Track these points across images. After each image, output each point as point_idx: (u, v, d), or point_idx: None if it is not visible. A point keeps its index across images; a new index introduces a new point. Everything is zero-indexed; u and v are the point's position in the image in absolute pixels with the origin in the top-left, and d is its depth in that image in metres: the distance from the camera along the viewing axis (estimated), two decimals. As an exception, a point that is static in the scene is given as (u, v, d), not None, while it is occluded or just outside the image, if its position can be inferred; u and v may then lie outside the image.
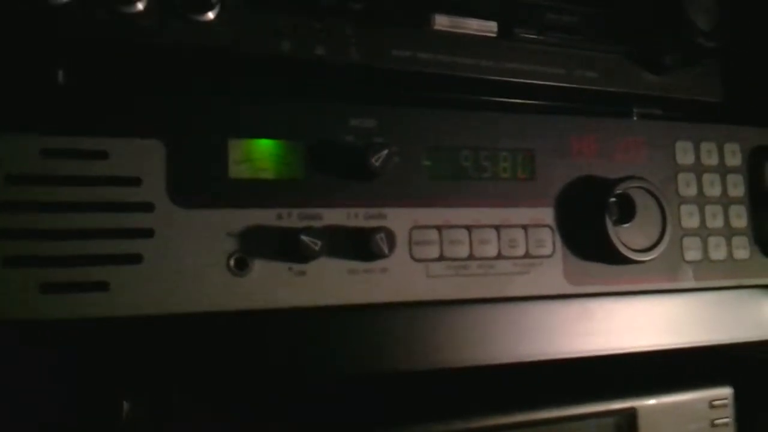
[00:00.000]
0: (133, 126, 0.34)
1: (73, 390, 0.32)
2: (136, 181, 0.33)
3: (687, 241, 0.45)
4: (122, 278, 0.33)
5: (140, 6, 0.34)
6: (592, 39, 0.46)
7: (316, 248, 0.34)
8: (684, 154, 0.46)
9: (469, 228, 0.39)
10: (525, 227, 0.40)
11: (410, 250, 0.38)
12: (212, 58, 0.37)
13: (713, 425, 0.49)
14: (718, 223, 0.46)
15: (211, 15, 0.36)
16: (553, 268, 0.41)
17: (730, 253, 0.46)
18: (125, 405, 0.34)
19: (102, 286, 0.32)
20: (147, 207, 0.33)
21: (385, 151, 0.36)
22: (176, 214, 0.34)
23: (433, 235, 0.38)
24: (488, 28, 0.43)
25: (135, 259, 0.33)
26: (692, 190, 0.45)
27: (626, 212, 0.42)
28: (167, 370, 0.34)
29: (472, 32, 0.42)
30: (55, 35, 0.34)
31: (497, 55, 0.43)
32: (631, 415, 0.46)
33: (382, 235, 0.36)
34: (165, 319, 0.33)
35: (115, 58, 0.37)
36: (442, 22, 0.41)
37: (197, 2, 0.35)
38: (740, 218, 0.47)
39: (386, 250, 0.36)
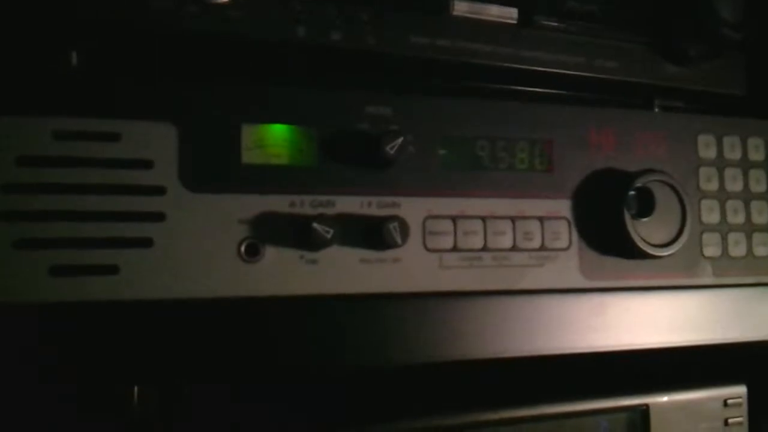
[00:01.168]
0: (146, 109, 0.33)
1: (82, 375, 0.32)
2: (148, 164, 0.33)
3: (707, 237, 0.44)
4: (132, 262, 0.32)
5: (155, -13, 0.34)
6: (613, 28, 0.45)
7: (328, 236, 0.34)
8: (706, 147, 0.45)
9: (483, 219, 0.39)
10: (541, 219, 0.40)
11: (423, 240, 0.37)
12: (227, 42, 0.37)
13: (727, 424, 0.48)
14: (739, 219, 0.45)
15: (226, -3, 0.35)
16: (569, 261, 0.40)
17: (750, 250, 0.45)
18: (135, 390, 0.34)
19: (112, 270, 0.32)
20: (159, 190, 0.33)
21: (400, 139, 0.36)
22: (188, 199, 0.34)
23: (447, 225, 0.38)
24: (508, 14, 0.42)
25: (145, 242, 0.33)
26: (713, 185, 0.45)
27: (645, 206, 0.41)
28: (176, 355, 0.34)
29: (491, 19, 0.42)
30: (69, 17, 0.33)
31: (517, 43, 0.42)
32: (644, 411, 0.46)
33: (396, 224, 0.35)
34: (174, 303, 0.33)
35: (128, 40, 0.36)
36: (461, 8, 0.41)
37: (212, -16, 0.35)
38: (762, 214, 0.46)
39: (399, 240, 0.35)
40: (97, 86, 0.33)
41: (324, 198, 0.36)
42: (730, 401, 0.48)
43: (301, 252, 0.35)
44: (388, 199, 0.37)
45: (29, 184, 0.31)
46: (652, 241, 0.41)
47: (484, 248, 0.38)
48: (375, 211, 0.36)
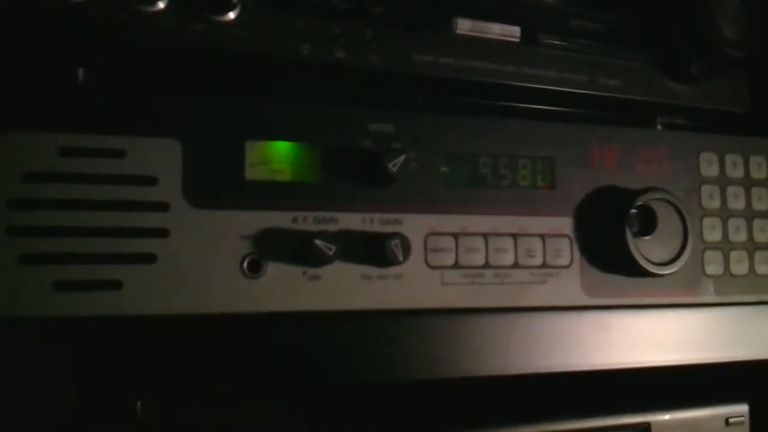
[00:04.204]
0: (151, 125, 0.34)
1: (85, 390, 0.32)
2: (152, 181, 0.33)
3: (708, 255, 0.44)
4: (135, 277, 0.33)
5: (161, 5, 0.34)
6: (616, 46, 0.45)
7: (330, 253, 0.34)
8: (708, 165, 0.45)
9: (485, 236, 0.39)
10: (543, 237, 0.40)
11: (425, 256, 0.37)
12: (231, 60, 0.37)
13: (729, 442, 0.48)
14: (741, 236, 0.45)
15: (231, 16, 0.36)
16: (571, 278, 0.40)
17: (752, 268, 0.45)
18: (138, 404, 0.34)
19: (115, 285, 0.32)
20: (162, 207, 0.33)
21: (403, 157, 0.36)
22: (191, 215, 0.34)
23: (449, 242, 0.38)
24: (511, 33, 0.42)
25: (149, 258, 0.33)
26: (715, 203, 0.45)
27: (647, 224, 0.41)
28: (179, 371, 0.34)
29: (494, 37, 0.42)
30: (75, 34, 0.34)
31: (519, 61, 0.42)
32: (646, 430, 0.45)
33: (397, 241, 0.35)
34: (177, 319, 0.33)
35: (134, 57, 0.37)
36: (464, 26, 0.41)
37: (217, 3, 0.35)
38: (764, 232, 0.46)
39: (401, 257, 0.36)
40: (103, 103, 0.33)
41: (326, 214, 0.36)
42: (731, 420, 0.48)
43: (303, 268, 0.35)
44: (390, 216, 0.37)
45: (34, 199, 0.32)
46: (654, 259, 0.41)
47: (486, 265, 0.38)
48: (377, 227, 0.37)
